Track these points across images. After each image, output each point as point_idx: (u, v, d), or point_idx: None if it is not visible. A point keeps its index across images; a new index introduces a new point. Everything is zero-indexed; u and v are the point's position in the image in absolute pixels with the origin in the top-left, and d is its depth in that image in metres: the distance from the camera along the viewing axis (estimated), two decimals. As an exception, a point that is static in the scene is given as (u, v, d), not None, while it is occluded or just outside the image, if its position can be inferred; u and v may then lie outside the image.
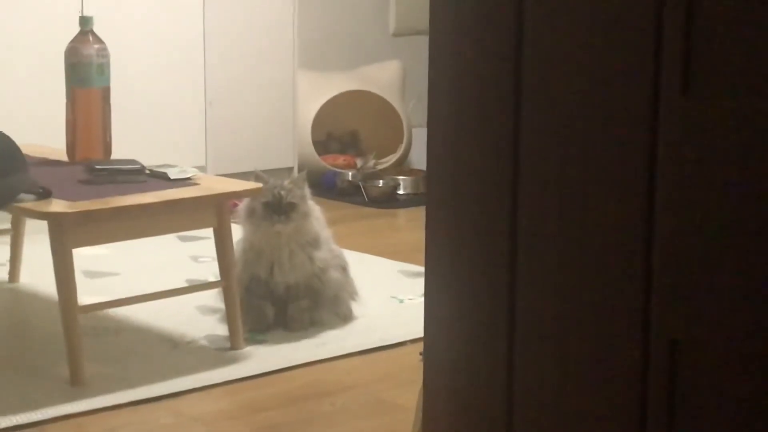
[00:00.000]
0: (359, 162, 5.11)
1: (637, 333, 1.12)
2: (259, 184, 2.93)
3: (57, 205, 2.60)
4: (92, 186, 2.77)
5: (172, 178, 2.84)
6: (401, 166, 5.28)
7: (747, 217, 1.03)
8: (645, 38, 1.09)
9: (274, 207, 2.96)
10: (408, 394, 2.54)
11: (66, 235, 2.56)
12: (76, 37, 3.05)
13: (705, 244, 1.07)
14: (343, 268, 3.15)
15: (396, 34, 5.67)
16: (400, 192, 4.95)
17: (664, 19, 1.07)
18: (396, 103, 5.26)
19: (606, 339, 1.15)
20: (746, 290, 1.04)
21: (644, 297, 1.11)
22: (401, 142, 5.27)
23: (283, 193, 2.96)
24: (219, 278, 2.89)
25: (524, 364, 1.22)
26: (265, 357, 2.84)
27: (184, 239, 3.98)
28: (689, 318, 1.09)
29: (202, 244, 3.79)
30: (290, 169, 4.83)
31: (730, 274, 1.05)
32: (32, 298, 3.34)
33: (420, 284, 3.38)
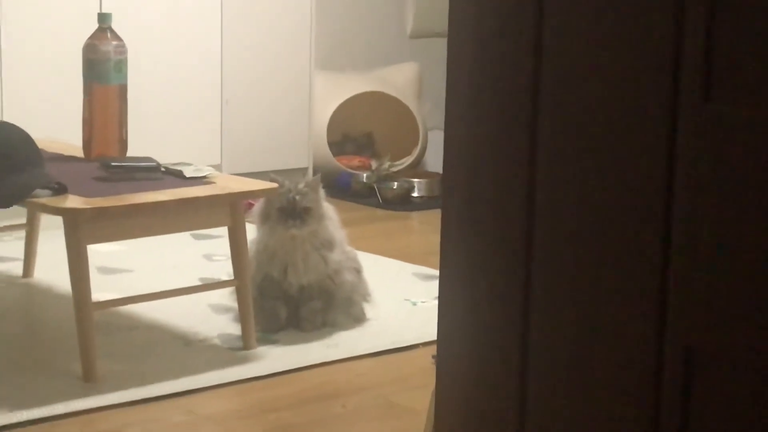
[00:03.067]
0: (374, 164, 5.11)
1: (651, 339, 1.11)
2: (275, 184, 2.93)
3: (72, 201, 2.60)
4: (108, 183, 2.77)
5: (187, 176, 2.84)
6: (416, 168, 5.28)
7: (765, 225, 1.03)
8: (665, 44, 1.08)
9: (289, 212, 2.96)
10: (419, 397, 2.53)
11: (81, 231, 2.57)
12: (94, 34, 3.05)
13: (722, 252, 1.06)
14: (357, 270, 3.15)
15: (413, 36, 5.67)
16: (415, 194, 4.95)
17: (685, 25, 1.07)
18: (412, 106, 5.25)
19: (621, 345, 1.14)
20: (763, 298, 1.03)
21: (660, 303, 1.11)
22: (416, 145, 5.27)
23: (298, 197, 2.96)
24: (232, 277, 2.89)
25: (537, 370, 1.22)
26: (277, 357, 2.85)
27: (197, 237, 3.98)
28: (704, 325, 1.08)
29: (216, 242, 3.79)
30: (305, 169, 4.83)
31: (747, 281, 1.04)
32: (46, 294, 3.35)
33: (433, 287, 3.38)
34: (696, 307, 1.08)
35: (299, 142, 4.88)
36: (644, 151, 1.11)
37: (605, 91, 1.14)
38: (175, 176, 2.85)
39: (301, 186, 2.99)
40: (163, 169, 2.88)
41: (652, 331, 1.12)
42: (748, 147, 1.04)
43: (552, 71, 1.18)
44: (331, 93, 5.09)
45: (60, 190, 2.64)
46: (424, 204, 4.84)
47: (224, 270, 3.42)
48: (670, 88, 1.08)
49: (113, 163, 2.84)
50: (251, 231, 2.97)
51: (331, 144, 5.10)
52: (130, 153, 3.11)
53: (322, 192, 3.04)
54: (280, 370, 2.77)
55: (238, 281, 2.86)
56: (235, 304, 2.92)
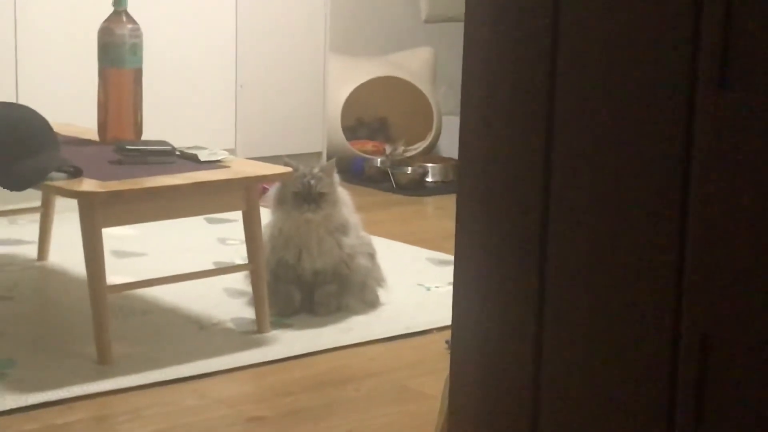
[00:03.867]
0: (388, 148, 5.11)
1: (667, 327, 1.11)
2: (289, 169, 2.94)
3: (87, 184, 2.61)
4: (122, 166, 2.78)
5: (202, 160, 2.85)
6: (430, 153, 5.28)
7: (782, 213, 1.02)
8: (683, 31, 1.08)
9: (304, 196, 2.96)
10: (433, 382, 2.54)
11: (96, 215, 2.57)
12: (109, 17, 3.05)
13: (738, 240, 1.06)
14: (371, 255, 3.15)
15: (428, 21, 5.65)
16: (429, 179, 4.95)
17: (703, 11, 1.06)
18: (426, 90, 5.25)
19: (636, 332, 1.14)
20: (779, 286, 1.03)
21: (676, 291, 1.11)
22: (431, 130, 5.26)
23: (312, 182, 2.96)
24: (246, 261, 2.89)
25: (552, 355, 1.22)
26: (291, 341, 2.85)
27: (211, 221, 3.99)
28: (720, 313, 1.08)
29: (230, 226, 3.80)
30: (319, 153, 4.83)
31: (764, 269, 1.04)
32: (61, 277, 3.36)
33: (447, 272, 3.38)
34: (712, 296, 1.08)
35: (313, 126, 4.88)
36: (661, 137, 1.11)
37: (622, 77, 1.13)
38: (189, 160, 2.86)
39: (316, 170, 3.00)
40: (177, 152, 2.88)
41: (668, 318, 1.11)
42: (764, 134, 1.03)
43: (568, 56, 1.17)
44: (346, 77, 5.09)
45: (75, 173, 2.65)
46: (437, 189, 4.84)
47: (238, 254, 3.43)
48: (688, 76, 1.08)
49: (128, 147, 2.85)
50: (265, 215, 2.98)
51: (345, 128, 5.10)
52: (144, 137, 3.11)
53: (336, 177, 3.04)
54: (294, 354, 2.78)
55: (252, 265, 2.86)
56: (249, 288, 2.93)
